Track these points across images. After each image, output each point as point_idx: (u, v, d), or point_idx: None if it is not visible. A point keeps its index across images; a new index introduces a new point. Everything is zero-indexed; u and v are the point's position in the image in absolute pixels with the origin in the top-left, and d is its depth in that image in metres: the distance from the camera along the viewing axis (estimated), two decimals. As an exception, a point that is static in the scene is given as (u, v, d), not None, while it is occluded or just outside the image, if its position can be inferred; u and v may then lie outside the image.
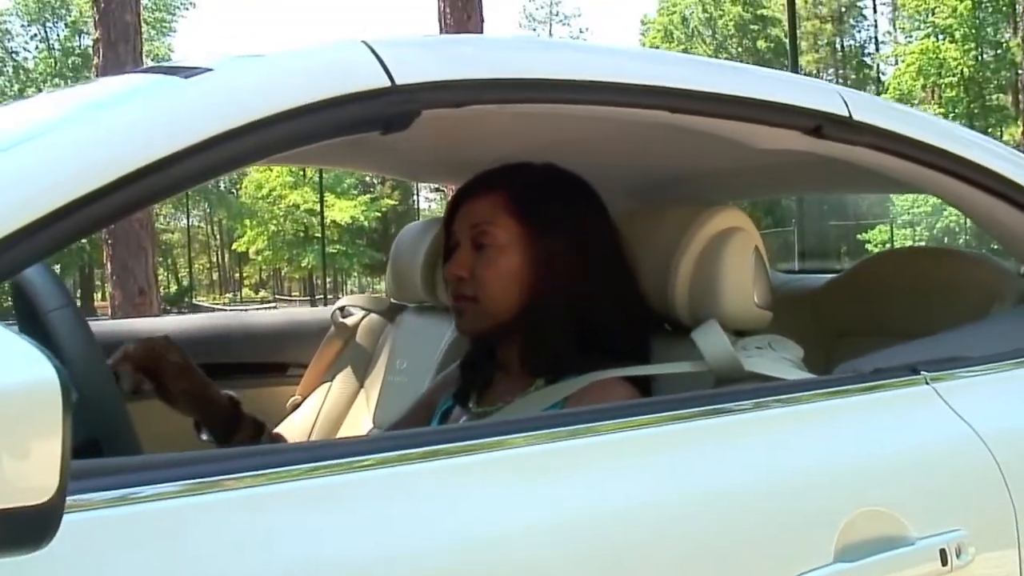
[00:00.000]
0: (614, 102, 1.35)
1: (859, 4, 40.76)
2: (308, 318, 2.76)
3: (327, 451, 1.01)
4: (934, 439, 1.34)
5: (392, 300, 2.50)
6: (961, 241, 26.42)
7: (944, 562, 1.21)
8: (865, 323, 2.15)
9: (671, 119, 1.41)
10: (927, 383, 1.37)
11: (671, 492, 1.13)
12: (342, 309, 2.58)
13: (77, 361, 1.12)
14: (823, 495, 1.21)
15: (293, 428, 2.47)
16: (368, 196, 38.03)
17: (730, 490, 1.16)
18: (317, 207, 34.44)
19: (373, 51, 1.16)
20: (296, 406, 2.53)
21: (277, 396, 2.59)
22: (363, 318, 2.55)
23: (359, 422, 2.40)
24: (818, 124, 1.50)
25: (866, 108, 1.55)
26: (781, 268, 3.07)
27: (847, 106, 1.52)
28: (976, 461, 1.32)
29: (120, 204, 0.95)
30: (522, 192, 1.51)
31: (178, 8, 39.34)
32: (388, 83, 1.14)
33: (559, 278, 1.48)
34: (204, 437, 1.53)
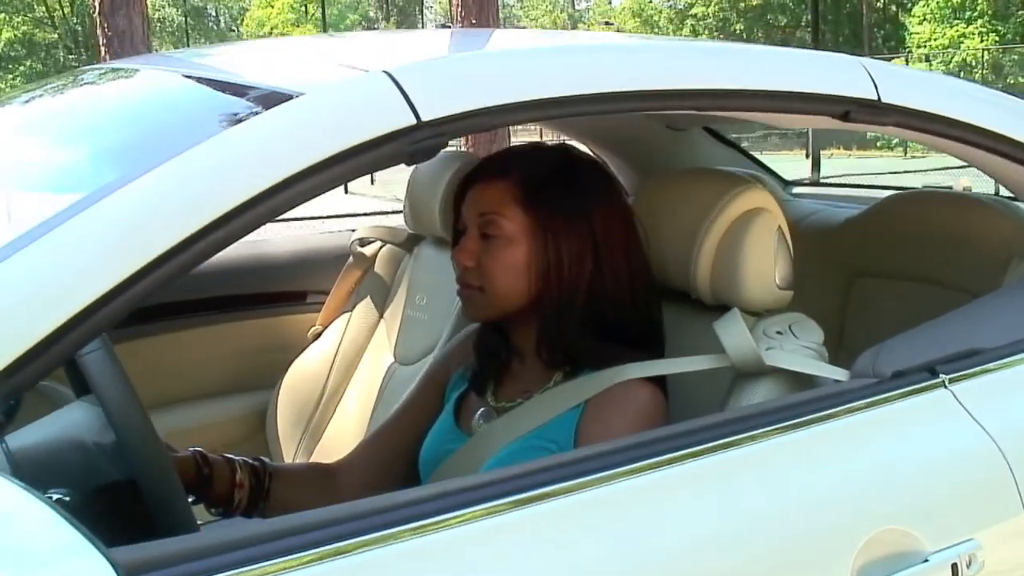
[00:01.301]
0: (642, 108, 1.34)
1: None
2: (325, 245, 2.76)
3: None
4: (952, 448, 1.37)
5: (410, 231, 2.49)
6: (978, 75, 25.99)
7: (955, 575, 1.25)
8: (882, 265, 2.16)
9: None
10: (946, 386, 1.39)
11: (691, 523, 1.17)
12: (361, 239, 2.58)
13: (112, 402, 1.15)
14: (841, 517, 1.24)
15: (314, 358, 2.52)
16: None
17: (746, 517, 1.20)
18: (321, 46, 33.82)
19: (398, 85, 1.14)
20: (317, 336, 2.56)
21: (298, 324, 2.62)
22: (381, 248, 2.56)
23: (380, 355, 2.44)
24: (847, 110, 1.48)
25: (895, 87, 1.52)
26: (802, 180, 3.04)
27: (875, 87, 1.50)
28: (991, 467, 1.35)
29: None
30: (532, 181, 1.48)
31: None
32: (414, 121, 1.13)
33: (569, 269, 1.46)
34: (190, 500, 1.48)
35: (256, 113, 1.10)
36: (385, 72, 1.15)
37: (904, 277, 2.11)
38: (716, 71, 1.39)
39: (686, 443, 1.20)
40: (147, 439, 1.13)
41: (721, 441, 1.21)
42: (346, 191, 18.09)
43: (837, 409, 1.30)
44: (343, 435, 2.41)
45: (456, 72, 1.22)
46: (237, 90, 1.24)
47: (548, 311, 1.47)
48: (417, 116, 1.13)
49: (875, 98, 1.49)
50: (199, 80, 1.37)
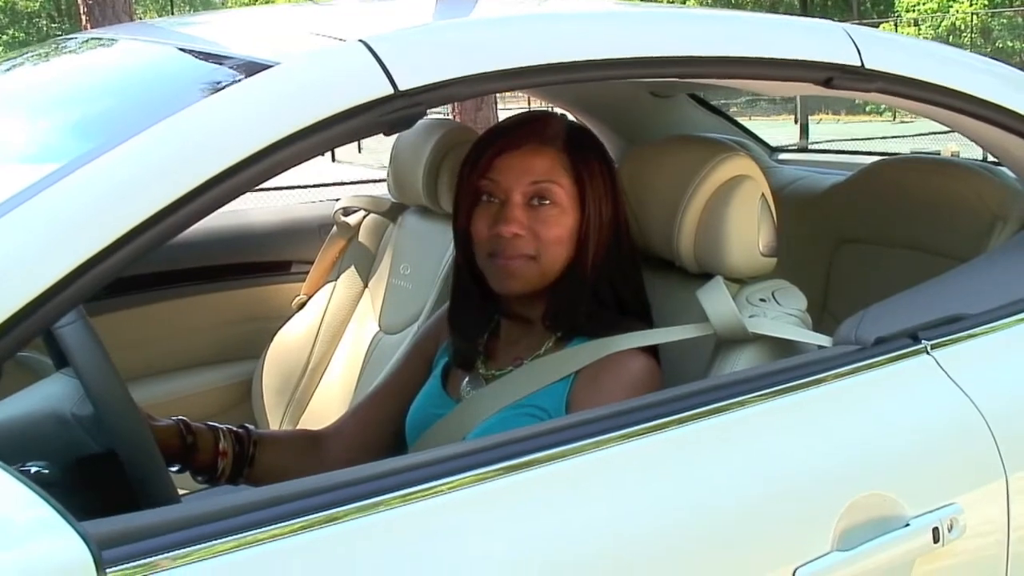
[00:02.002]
0: (622, 76, 1.32)
1: None
2: (309, 214, 2.75)
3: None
4: (934, 414, 1.37)
5: (393, 200, 2.48)
6: (967, 40, 25.90)
7: (936, 539, 1.26)
8: (868, 231, 2.15)
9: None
10: (928, 352, 1.39)
11: (673, 493, 1.17)
12: (344, 208, 2.57)
13: (88, 374, 1.14)
14: (823, 482, 1.24)
15: (299, 328, 2.51)
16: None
17: (728, 483, 1.20)
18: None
19: (375, 54, 1.13)
20: (301, 305, 2.56)
21: (282, 294, 2.62)
22: (365, 217, 2.55)
23: (364, 324, 2.43)
24: (829, 76, 1.47)
25: (879, 52, 1.51)
26: (788, 147, 3.03)
27: (859, 53, 1.49)
28: (973, 433, 1.35)
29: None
30: (573, 150, 1.48)
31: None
32: (391, 90, 1.12)
33: (601, 240, 1.47)
34: (175, 469, 1.47)
35: (231, 84, 1.08)
36: (361, 41, 1.14)
37: (889, 243, 2.11)
38: (695, 38, 1.37)
39: (666, 411, 1.20)
40: (125, 411, 1.12)
41: (702, 409, 1.21)
42: (333, 159, 18.00)
43: (819, 376, 1.30)
44: (328, 404, 2.41)
45: (434, 40, 1.20)
46: (212, 60, 1.23)
47: (569, 281, 1.47)
48: (394, 85, 1.12)
49: (858, 64, 1.48)
50: (176, 50, 1.35)
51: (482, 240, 1.47)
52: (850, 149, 6.35)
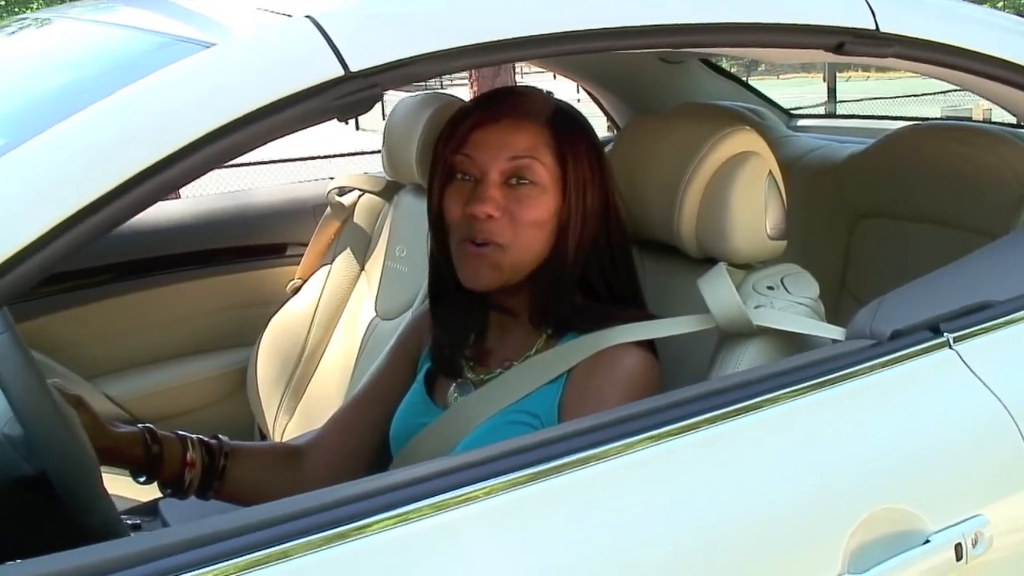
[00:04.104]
0: (614, 47, 1.20)
1: None
2: (304, 194, 2.65)
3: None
4: (957, 416, 1.24)
5: (388, 179, 2.37)
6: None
7: (959, 556, 1.14)
8: (888, 204, 2.02)
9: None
10: (950, 346, 1.26)
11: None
12: (339, 188, 2.47)
13: (16, 390, 1.04)
14: (834, 495, 1.13)
15: (295, 313, 2.42)
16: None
17: (730, 496, 1.09)
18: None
19: (323, 32, 1.01)
20: (296, 289, 2.47)
21: (277, 278, 2.53)
22: (360, 197, 2.44)
23: (361, 309, 2.34)
24: (840, 42, 1.34)
25: (895, 15, 1.38)
26: (813, 113, 2.89)
27: (873, 15, 1.36)
28: (1000, 436, 1.23)
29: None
30: (558, 125, 1.34)
31: None
32: (342, 72, 1.00)
33: (586, 226, 1.34)
34: (141, 480, 1.38)
35: (161, 68, 0.97)
36: (308, 17, 1.02)
37: (912, 218, 1.97)
38: (692, 4, 1.24)
39: (660, 421, 1.08)
40: (57, 431, 1.02)
41: (700, 417, 1.09)
42: (357, 127, 17.85)
43: (830, 376, 1.18)
44: (325, 391, 2.32)
45: (391, 13, 1.07)
46: (144, 41, 1.12)
47: (553, 272, 1.34)
48: (345, 66, 1.00)
49: (873, 27, 1.35)
50: (111, 28, 1.24)
51: (455, 222, 1.33)
52: (877, 114, 6.14)
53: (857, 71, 23.87)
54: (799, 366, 1.19)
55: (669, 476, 1.07)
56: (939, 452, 1.21)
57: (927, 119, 2.54)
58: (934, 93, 14.42)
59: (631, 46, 1.22)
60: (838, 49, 1.35)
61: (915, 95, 14.59)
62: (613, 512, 1.03)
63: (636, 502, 1.04)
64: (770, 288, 1.39)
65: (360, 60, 1.01)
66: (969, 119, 3.78)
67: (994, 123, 2.34)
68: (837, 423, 1.17)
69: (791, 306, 1.35)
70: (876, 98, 13.54)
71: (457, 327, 1.43)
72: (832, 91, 13.13)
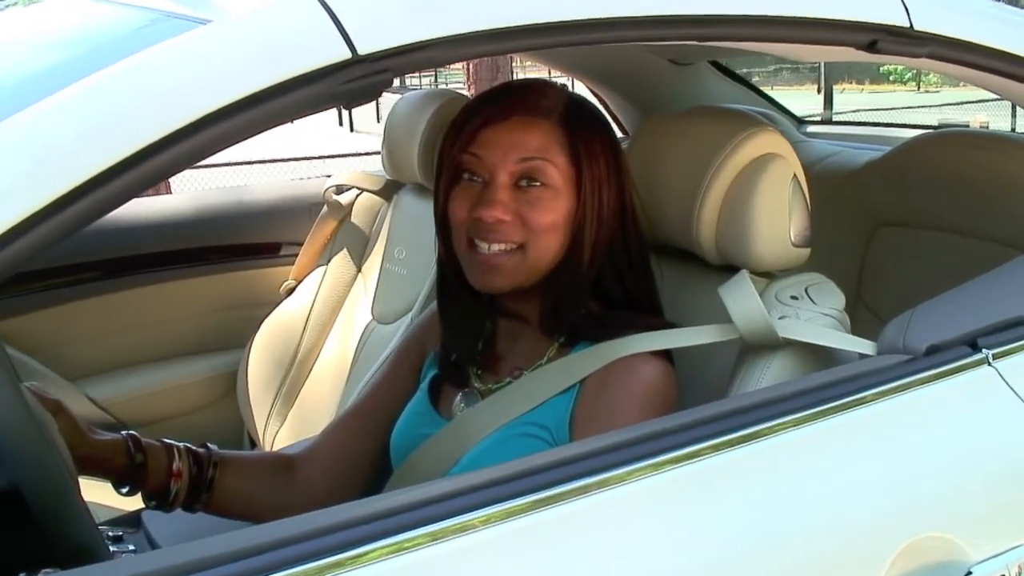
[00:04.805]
0: (636, 38, 1.12)
1: None
2: (299, 193, 2.57)
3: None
4: (998, 437, 1.17)
5: (388, 178, 2.30)
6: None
7: (1003, 589, 1.07)
8: (908, 213, 1.95)
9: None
10: (989, 363, 1.19)
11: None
12: (336, 187, 2.39)
13: None
14: (869, 524, 1.05)
15: (288, 315, 2.35)
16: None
17: (755, 528, 1.01)
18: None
19: (329, 11, 0.94)
20: (290, 291, 2.40)
21: (270, 278, 2.46)
22: (358, 196, 2.36)
23: (356, 313, 2.26)
24: (873, 40, 1.27)
25: (931, 12, 1.31)
26: (810, 118, 2.83)
27: (907, 12, 1.29)
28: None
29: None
30: (571, 124, 1.26)
31: None
32: (349, 55, 0.93)
33: (602, 228, 1.27)
34: (124, 491, 1.30)
35: (148, 47, 0.89)
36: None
37: (932, 227, 1.91)
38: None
39: (691, 438, 1.01)
40: (31, 440, 0.93)
41: (727, 437, 1.02)
42: (352, 129, 17.76)
43: (865, 394, 1.10)
44: (318, 397, 2.25)
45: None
46: (132, 17, 1.03)
47: (566, 276, 1.26)
48: (353, 49, 0.93)
49: (907, 25, 1.28)
50: (97, 3, 1.16)
51: (460, 224, 1.26)
52: (877, 121, 6.12)
53: (852, 82, 23.87)
54: (831, 382, 1.11)
55: (693, 502, 1.00)
56: (980, 477, 1.14)
57: (941, 127, 2.47)
58: (929, 107, 14.43)
59: (657, 37, 1.15)
60: (871, 47, 1.28)
61: (909, 107, 14.60)
62: (631, 542, 0.96)
63: (657, 531, 0.97)
64: (794, 298, 1.31)
65: (369, 42, 0.94)
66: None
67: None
68: (874, 445, 1.09)
69: (817, 317, 1.27)
70: (873, 109, 13.52)
71: (466, 332, 1.35)
72: (829, 98, 13.10)
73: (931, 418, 1.14)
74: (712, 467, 1.00)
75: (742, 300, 1.25)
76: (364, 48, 0.93)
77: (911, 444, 1.11)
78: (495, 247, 1.24)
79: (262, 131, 0.93)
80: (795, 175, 1.34)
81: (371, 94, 0.96)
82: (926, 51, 1.31)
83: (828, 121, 6.40)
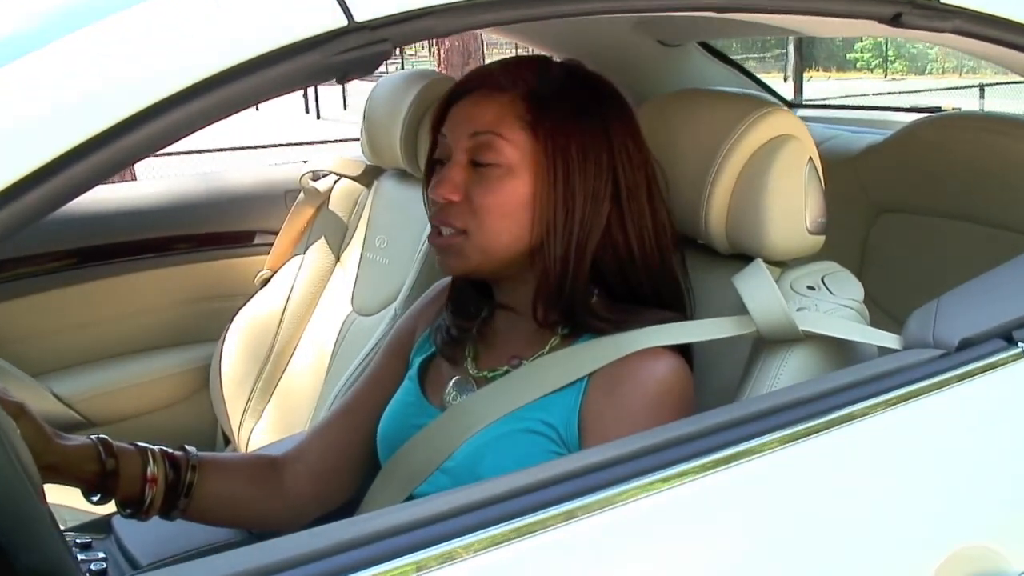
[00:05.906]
0: (644, 8, 1.04)
1: None
2: (274, 178, 2.48)
3: None
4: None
5: (368, 163, 2.21)
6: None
7: (1047, 601, 1.00)
8: (912, 198, 1.89)
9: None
10: (1027, 357, 1.11)
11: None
12: (313, 172, 2.30)
13: None
14: (907, 536, 0.97)
15: (263, 307, 2.26)
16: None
17: (803, 539, 0.93)
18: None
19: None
20: (265, 281, 2.32)
21: (244, 268, 2.37)
22: (336, 182, 2.28)
23: (336, 304, 2.18)
24: (897, 12, 1.20)
25: (958, -16, 1.23)
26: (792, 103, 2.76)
27: None
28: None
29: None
30: (542, 97, 1.17)
31: None
32: (345, 21, 0.84)
33: (583, 212, 1.17)
34: (95, 499, 1.22)
35: (118, 11, 0.79)
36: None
37: (937, 213, 1.84)
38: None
39: (717, 443, 0.93)
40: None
41: (764, 440, 0.94)
42: (318, 116, 17.59)
43: (896, 393, 1.02)
44: (296, 393, 2.16)
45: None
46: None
47: (550, 263, 1.17)
48: (349, 15, 0.84)
49: (934, -4, 1.20)
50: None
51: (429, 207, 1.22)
52: (851, 104, 6.10)
53: (819, 70, 23.96)
54: (861, 380, 1.03)
55: (720, 509, 0.92)
56: (1022, 481, 1.06)
57: (936, 109, 2.40)
58: (898, 93, 14.49)
59: (674, 7, 1.06)
60: (894, 20, 1.21)
61: (877, 93, 14.65)
62: (658, 554, 0.88)
63: (679, 553, 0.89)
64: (810, 288, 1.24)
65: (367, 9, 0.85)
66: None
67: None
68: (910, 448, 1.02)
69: (837, 309, 1.20)
70: (844, 96, 13.54)
71: (468, 309, 1.29)
72: (799, 85, 13.10)
73: (969, 418, 1.06)
74: (741, 475, 0.92)
75: (759, 291, 1.17)
76: (362, 15, 0.84)
77: (951, 447, 1.04)
78: (445, 229, 1.18)
79: (246, 107, 0.84)
80: (811, 158, 1.26)
81: (368, 66, 0.87)
82: (951, 25, 1.24)
83: (799, 105, 6.37)
